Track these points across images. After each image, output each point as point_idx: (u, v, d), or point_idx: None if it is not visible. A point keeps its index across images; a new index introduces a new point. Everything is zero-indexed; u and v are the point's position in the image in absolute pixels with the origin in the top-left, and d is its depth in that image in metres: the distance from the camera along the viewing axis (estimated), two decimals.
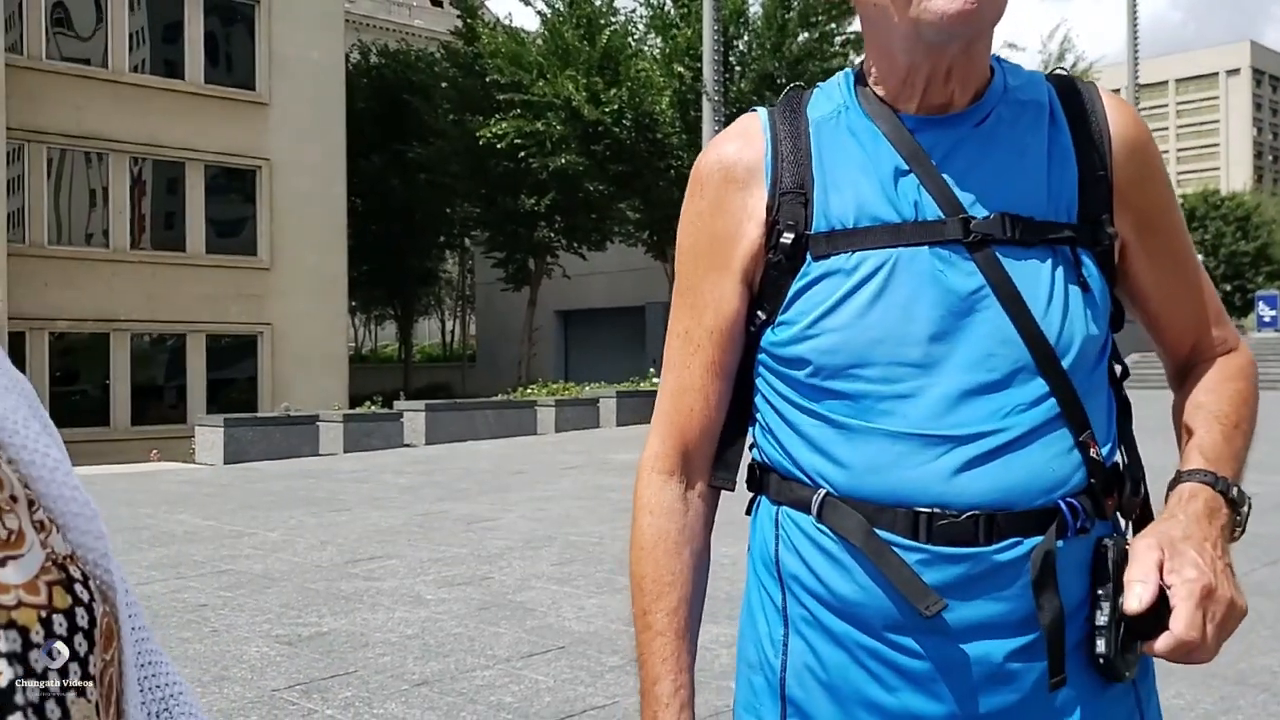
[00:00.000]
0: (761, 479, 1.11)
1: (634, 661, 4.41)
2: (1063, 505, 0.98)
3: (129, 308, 21.50)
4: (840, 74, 1.13)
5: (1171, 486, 1.03)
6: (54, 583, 0.45)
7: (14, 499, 0.46)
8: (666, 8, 23.30)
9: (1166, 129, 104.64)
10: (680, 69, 21.94)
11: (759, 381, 1.10)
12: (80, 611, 0.46)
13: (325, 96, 23.85)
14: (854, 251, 1.01)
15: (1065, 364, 0.99)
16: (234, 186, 23.27)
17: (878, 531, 0.98)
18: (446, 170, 27.07)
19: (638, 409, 17.56)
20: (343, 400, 21.05)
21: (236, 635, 4.82)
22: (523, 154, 23.52)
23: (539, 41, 24.01)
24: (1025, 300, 0.99)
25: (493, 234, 28.09)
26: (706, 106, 18.44)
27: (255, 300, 22.91)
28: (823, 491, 1.01)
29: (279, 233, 23.20)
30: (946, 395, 0.98)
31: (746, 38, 23.08)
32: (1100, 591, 0.98)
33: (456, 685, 4.04)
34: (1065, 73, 1.13)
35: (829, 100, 1.09)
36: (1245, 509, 1.01)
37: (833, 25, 23.22)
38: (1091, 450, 1.00)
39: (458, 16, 29.51)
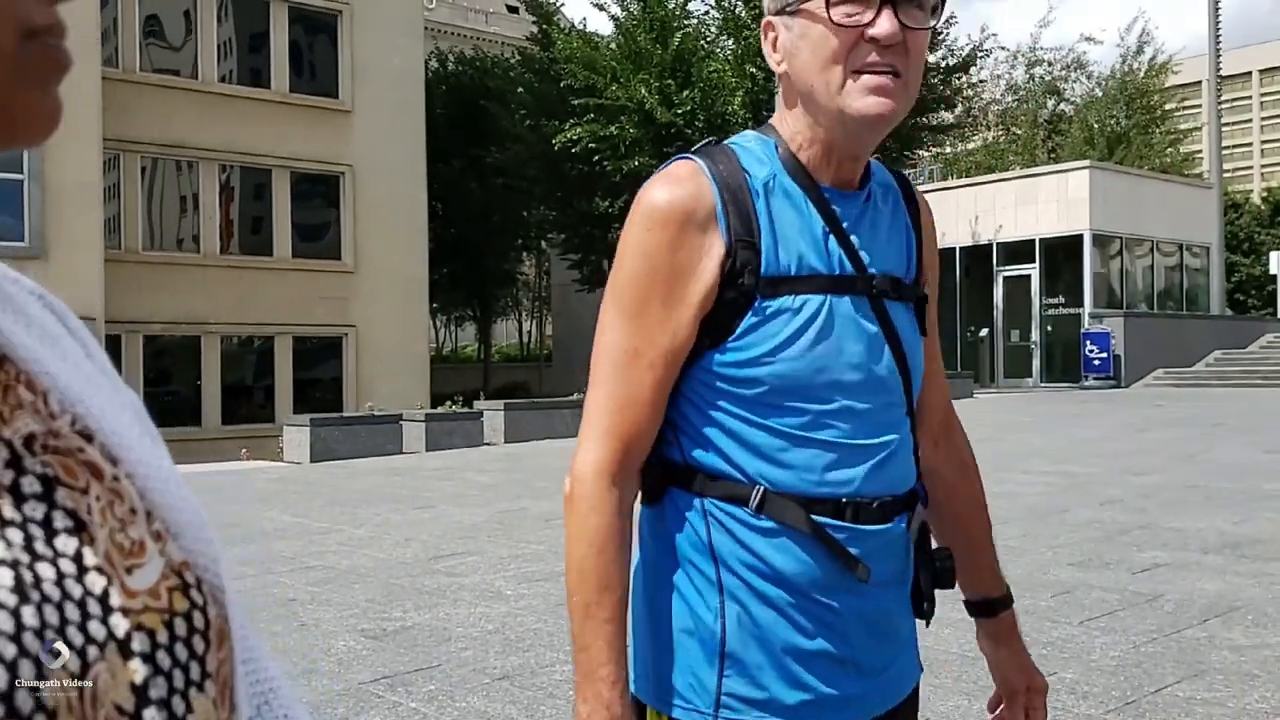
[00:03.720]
0: (674, 475, 1.28)
1: None
2: (919, 489, 1.35)
3: (219, 311, 22.18)
4: (754, 138, 1.32)
5: (998, 598, 1.51)
6: (173, 588, 0.50)
7: (134, 511, 0.50)
8: (738, 9, 23.28)
9: (1250, 121, 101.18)
10: (753, 69, 21.90)
11: (692, 394, 1.27)
12: (197, 614, 0.51)
13: (406, 103, 24.30)
14: (797, 294, 1.24)
15: (914, 391, 1.34)
16: (318, 192, 23.85)
17: (814, 518, 1.24)
18: (523, 174, 27.36)
19: None
20: (424, 400, 21.43)
21: (324, 629, 5.00)
22: (597, 157, 23.68)
23: (613, 46, 24.16)
24: (902, 343, 1.30)
25: (568, 236, 28.31)
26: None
27: (340, 303, 23.45)
28: (761, 488, 1.23)
29: (362, 236, 23.71)
30: (864, 412, 1.26)
31: None
32: (920, 563, 1.34)
33: (536, 680, 4.16)
34: (882, 163, 1.44)
35: (760, 164, 1.28)
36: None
37: None
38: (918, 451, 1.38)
39: (533, 22, 29.81)
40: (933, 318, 1.42)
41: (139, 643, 0.46)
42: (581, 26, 26.20)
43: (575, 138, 23.15)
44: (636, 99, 22.48)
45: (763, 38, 1.30)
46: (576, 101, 23.98)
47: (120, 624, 0.45)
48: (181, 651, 0.49)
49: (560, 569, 5.81)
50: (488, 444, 15.58)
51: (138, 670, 0.45)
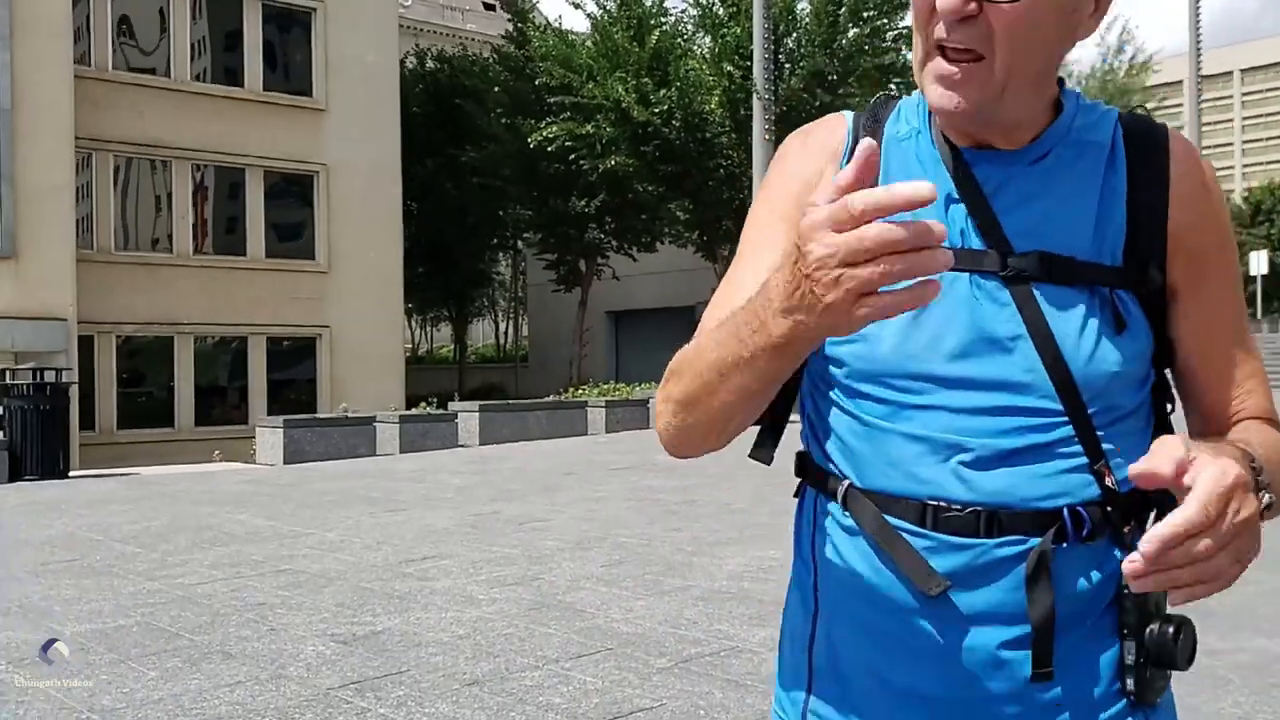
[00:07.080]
0: (803, 467, 1.17)
1: (681, 663, 4.43)
2: (1065, 512, 1.03)
3: (192, 311, 21.97)
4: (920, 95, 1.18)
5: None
6: None
7: None
8: (715, 7, 23.28)
9: (1231, 120, 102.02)
10: (730, 68, 21.92)
11: (808, 376, 1.15)
12: None
13: (381, 101, 24.16)
14: None
15: (1085, 396, 1.03)
16: (293, 191, 23.69)
17: (890, 519, 1.05)
18: (499, 173, 27.31)
19: None
20: (399, 401, 21.32)
21: (294, 634, 4.93)
22: (573, 156, 23.66)
23: (589, 44, 24.12)
24: (1054, 335, 1.03)
25: (544, 236, 28.29)
26: (756, 105, 18.42)
27: (314, 303, 23.29)
28: (846, 483, 1.09)
29: (337, 236, 23.56)
30: (965, 409, 1.04)
31: (796, 35, 22.99)
32: (1125, 631, 1.04)
33: (506, 685, 4.11)
34: (1145, 113, 1.16)
35: (906, 121, 1.15)
36: (1268, 505, 0.93)
37: (884, 20, 23.04)
38: (1106, 479, 1.04)
39: (509, 20, 29.75)
40: (1214, 310, 1.10)
41: None
42: (558, 24, 26.15)
43: (551, 136, 23.12)
44: (613, 97, 22.45)
45: None
46: (553, 100, 23.94)
47: None
48: None
49: (533, 572, 5.75)
50: (462, 446, 15.50)
51: None
